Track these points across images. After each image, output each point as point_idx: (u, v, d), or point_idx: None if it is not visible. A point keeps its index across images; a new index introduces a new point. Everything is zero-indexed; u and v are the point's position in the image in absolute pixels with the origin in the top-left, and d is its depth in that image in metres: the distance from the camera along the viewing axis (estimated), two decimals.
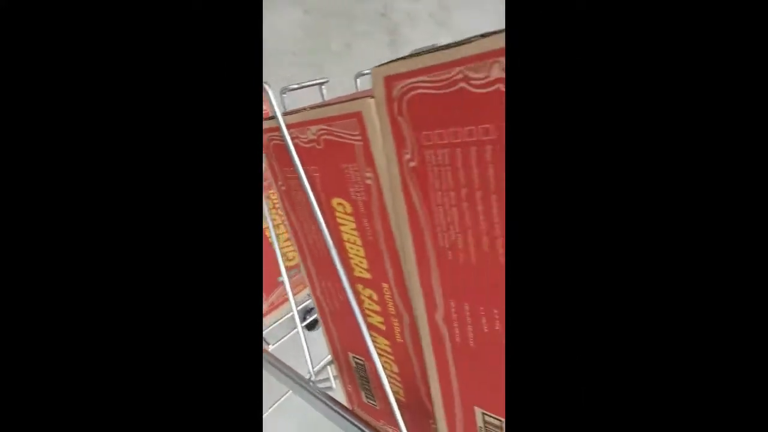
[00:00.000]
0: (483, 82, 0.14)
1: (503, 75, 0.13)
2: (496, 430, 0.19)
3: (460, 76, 0.14)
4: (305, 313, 0.62)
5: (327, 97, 0.32)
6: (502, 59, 0.13)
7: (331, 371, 0.34)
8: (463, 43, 0.14)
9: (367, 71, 0.27)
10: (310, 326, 0.75)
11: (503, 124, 0.14)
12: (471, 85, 0.14)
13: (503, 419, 0.19)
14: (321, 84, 0.29)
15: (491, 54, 0.13)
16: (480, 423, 0.20)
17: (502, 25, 0.13)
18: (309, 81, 0.28)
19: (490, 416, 0.19)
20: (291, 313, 0.33)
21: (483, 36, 0.14)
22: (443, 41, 0.15)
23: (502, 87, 0.14)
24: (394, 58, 0.17)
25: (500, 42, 0.13)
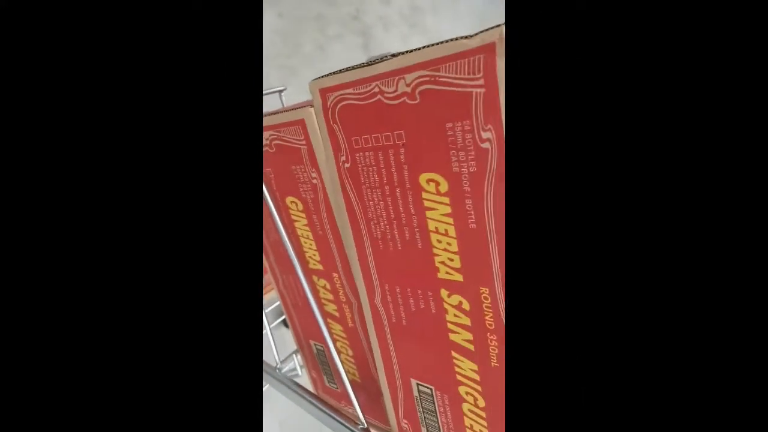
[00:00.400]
0: (394, 95, 0.16)
1: (408, 90, 0.16)
2: (428, 397, 0.22)
3: (376, 89, 0.17)
4: (281, 312, 0.64)
5: (287, 103, 0.34)
6: (407, 75, 0.16)
7: (297, 360, 0.36)
8: (378, 62, 0.16)
9: None
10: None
11: (413, 130, 0.16)
12: (385, 97, 0.17)
13: (433, 387, 0.21)
14: (280, 92, 0.31)
15: (398, 71, 0.16)
16: (416, 393, 0.22)
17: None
18: (268, 89, 0.30)
19: (423, 386, 0.22)
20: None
21: (393, 55, 0.16)
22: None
23: (408, 99, 0.16)
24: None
25: (405, 62, 0.16)
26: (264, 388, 0.47)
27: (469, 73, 0.14)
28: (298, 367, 0.35)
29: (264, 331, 0.37)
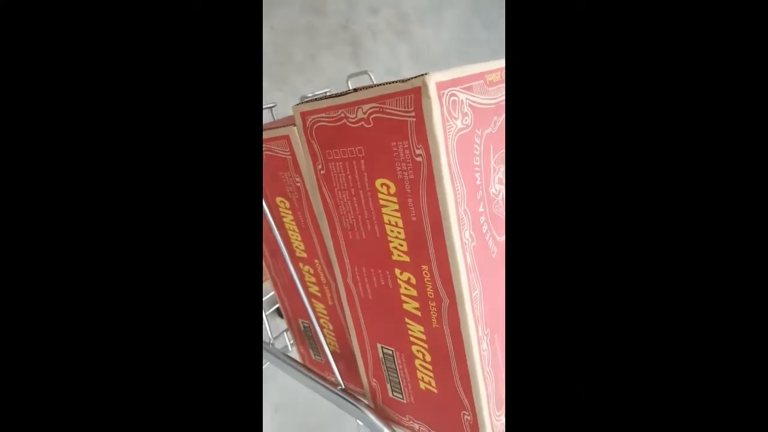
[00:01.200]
0: (355, 119, 0.22)
1: (365, 116, 0.21)
2: (390, 357, 0.27)
3: (342, 115, 0.22)
4: (275, 302, 0.69)
5: (278, 116, 0.40)
6: (364, 106, 0.21)
7: (287, 338, 0.41)
8: (344, 95, 0.22)
9: (309, 97, 0.35)
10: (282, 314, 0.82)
11: (369, 147, 0.22)
12: (349, 121, 0.22)
13: (393, 348, 0.27)
14: (271, 108, 0.37)
15: (357, 103, 0.21)
16: (381, 355, 0.28)
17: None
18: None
19: (386, 348, 0.27)
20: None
21: (354, 90, 0.21)
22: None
23: (365, 124, 0.21)
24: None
25: (362, 96, 0.21)
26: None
27: (405, 107, 0.19)
28: (288, 344, 0.40)
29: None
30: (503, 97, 0.23)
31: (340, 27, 0.94)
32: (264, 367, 0.44)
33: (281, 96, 0.83)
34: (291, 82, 0.84)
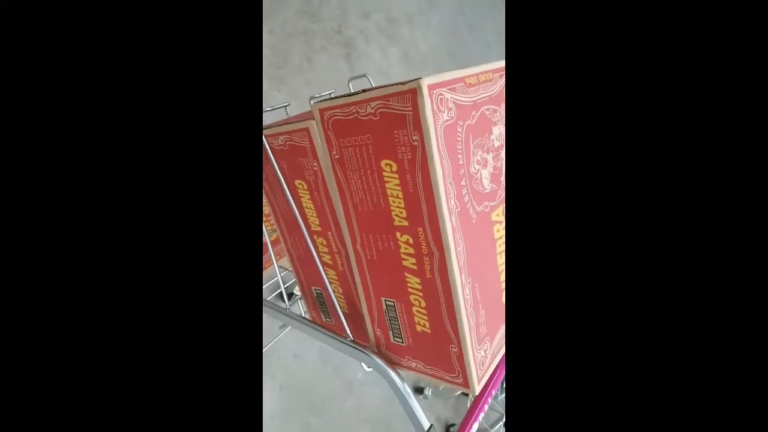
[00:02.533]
0: (364, 113, 0.28)
1: (372, 111, 0.27)
2: (392, 308, 0.33)
3: (354, 110, 0.28)
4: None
5: (291, 113, 0.46)
6: (372, 103, 0.27)
7: (301, 306, 0.47)
8: (355, 94, 0.28)
9: (316, 96, 0.41)
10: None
11: (376, 135, 0.28)
12: (359, 115, 0.28)
13: (395, 300, 0.33)
14: (285, 107, 0.43)
15: (367, 101, 0.27)
16: (384, 307, 0.34)
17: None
18: (273, 105, 0.41)
19: (389, 300, 0.33)
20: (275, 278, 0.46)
21: (364, 90, 0.28)
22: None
23: (372, 117, 0.27)
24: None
25: (371, 95, 0.27)
26: (266, 348, 0.58)
27: (404, 103, 0.26)
28: (302, 312, 0.46)
29: (279, 290, 0.48)
30: (480, 96, 0.29)
31: (334, 31, 1.00)
32: (283, 333, 0.50)
33: (280, 96, 0.89)
34: (289, 83, 0.90)
